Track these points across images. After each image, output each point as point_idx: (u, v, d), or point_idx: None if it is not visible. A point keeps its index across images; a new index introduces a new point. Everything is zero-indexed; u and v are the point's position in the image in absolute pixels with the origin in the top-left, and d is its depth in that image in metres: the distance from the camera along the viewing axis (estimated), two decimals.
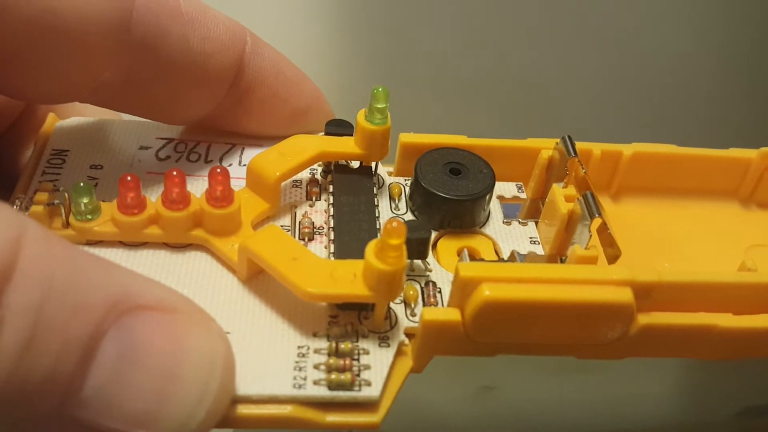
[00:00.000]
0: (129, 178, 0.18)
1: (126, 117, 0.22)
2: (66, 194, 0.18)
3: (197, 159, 0.22)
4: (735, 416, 0.26)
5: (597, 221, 0.18)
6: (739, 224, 0.23)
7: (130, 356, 0.14)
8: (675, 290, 0.17)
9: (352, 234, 0.19)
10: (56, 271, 0.14)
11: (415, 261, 0.19)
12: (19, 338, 0.13)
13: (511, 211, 0.22)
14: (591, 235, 0.19)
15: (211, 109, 0.21)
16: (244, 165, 0.22)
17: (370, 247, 0.16)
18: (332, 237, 0.19)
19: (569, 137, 0.21)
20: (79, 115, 0.23)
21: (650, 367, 0.27)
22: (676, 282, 0.17)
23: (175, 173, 0.18)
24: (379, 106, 0.20)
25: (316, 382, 0.17)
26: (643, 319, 0.17)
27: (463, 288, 0.17)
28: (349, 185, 0.21)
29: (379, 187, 0.22)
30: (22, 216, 0.14)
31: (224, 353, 0.16)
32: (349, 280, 0.17)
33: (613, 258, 0.18)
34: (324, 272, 0.17)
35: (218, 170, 0.18)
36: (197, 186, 0.21)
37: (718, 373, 0.27)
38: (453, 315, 0.17)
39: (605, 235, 0.18)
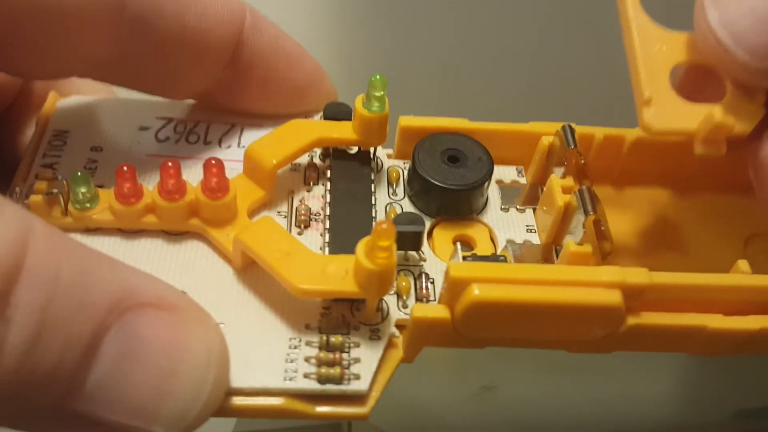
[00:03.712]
0: (125, 168, 0.18)
1: (126, 92, 0.22)
2: (65, 182, 0.19)
3: (196, 140, 0.22)
4: (731, 418, 0.26)
5: (591, 218, 0.18)
6: (740, 212, 0.22)
7: (131, 353, 0.15)
8: (666, 291, 0.17)
9: (347, 225, 0.19)
10: (62, 270, 0.14)
11: (410, 251, 0.20)
12: (25, 336, 0.14)
13: (512, 192, 0.22)
14: (585, 231, 0.18)
15: (209, 84, 0.21)
16: (243, 146, 0.22)
17: (361, 246, 0.17)
18: (328, 225, 0.20)
19: (570, 126, 0.21)
20: (78, 89, 0.23)
21: (650, 367, 0.27)
22: (667, 284, 0.17)
23: (170, 164, 0.18)
24: (376, 94, 0.20)
25: (306, 375, 0.17)
26: (633, 319, 0.17)
27: (453, 287, 0.17)
28: (347, 172, 0.21)
29: (378, 171, 0.22)
30: (28, 214, 0.14)
31: (220, 350, 0.16)
32: (340, 276, 0.17)
33: (606, 253, 0.18)
34: (316, 268, 0.17)
35: (213, 161, 0.18)
36: (195, 170, 0.21)
37: (718, 375, 0.27)
38: (442, 312, 0.17)
39: (600, 231, 0.18)
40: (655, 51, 0.18)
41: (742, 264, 0.18)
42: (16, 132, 0.23)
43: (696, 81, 0.19)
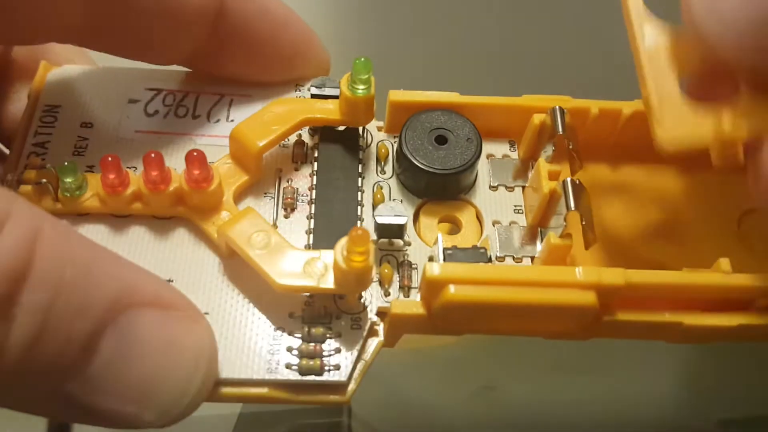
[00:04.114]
0: (110, 158, 0.18)
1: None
2: (53, 170, 0.19)
3: (185, 114, 0.22)
4: (717, 425, 0.26)
5: (573, 213, 0.18)
6: (734, 188, 0.22)
7: (127, 349, 0.16)
8: (642, 290, 0.17)
9: (332, 212, 0.19)
10: (67, 271, 0.15)
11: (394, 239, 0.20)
12: (27, 336, 0.14)
13: (503, 166, 0.22)
14: (566, 224, 0.18)
15: (192, 50, 0.21)
16: (232, 120, 0.22)
17: (338, 247, 0.17)
18: (314, 210, 0.20)
19: (561, 109, 0.20)
20: (66, 57, 0.23)
21: (650, 369, 0.27)
22: (643, 283, 0.17)
23: (153, 155, 0.18)
24: (361, 77, 0.19)
25: (288, 366, 0.18)
26: (608, 317, 0.18)
27: (430, 287, 0.17)
28: (335, 154, 0.21)
29: (367, 147, 0.22)
30: (38, 213, 0.15)
31: (210, 349, 0.17)
32: (319, 273, 0.17)
33: (588, 244, 0.19)
34: (295, 264, 0.18)
35: (195, 153, 0.18)
36: (184, 147, 0.21)
37: (718, 377, 0.27)
38: (419, 309, 0.18)
39: (582, 225, 0.18)
40: (663, 59, 0.17)
41: (723, 263, 0.18)
42: (1, 101, 0.23)
43: (711, 81, 0.18)
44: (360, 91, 0.20)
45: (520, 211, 0.21)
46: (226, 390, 0.18)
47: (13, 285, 0.14)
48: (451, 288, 0.17)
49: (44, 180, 0.19)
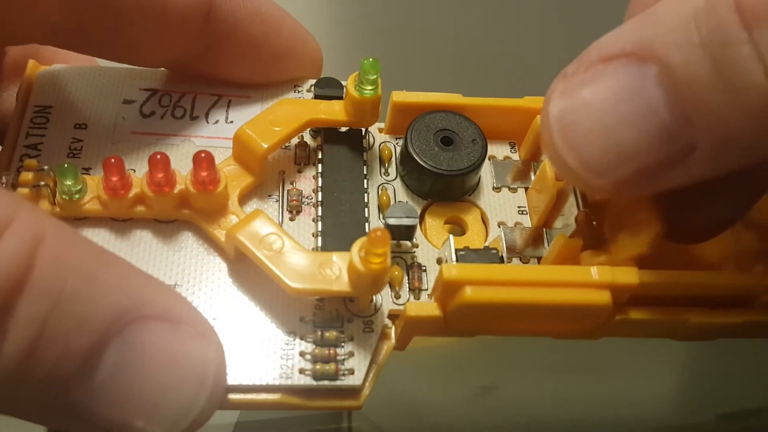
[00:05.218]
0: (113, 160, 0.18)
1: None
2: (51, 173, 0.18)
3: (183, 115, 0.21)
4: (730, 419, 0.27)
5: (583, 213, 0.18)
6: None
7: (129, 365, 0.15)
8: (654, 289, 0.18)
9: (339, 214, 0.19)
10: (68, 281, 0.14)
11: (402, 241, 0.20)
12: (21, 348, 0.14)
13: (504, 168, 0.22)
14: (577, 225, 0.19)
15: (180, 53, 0.21)
16: (231, 122, 0.21)
17: (355, 249, 0.17)
18: (320, 213, 0.19)
19: None
20: (56, 56, 0.22)
21: (649, 368, 0.27)
22: (655, 282, 0.17)
23: (158, 156, 0.18)
24: (369, 77, 0.19)
25: (301, 371, 0.17)
26: (620, 315, 0.18)
27: (446, 288, 0.17)
28: (338, 155, 0.20)
29: (369, 148, 0.21)
30: (42, 218, 0.14)
31: (217, 366, 0.16)
32: (333, 276, 0.17)
33: (596, 245, 0.19)
34: (308, 267, 0.17)
35: (203, 155, 0.18)
36: (183, 149, 0.21)
37: (715, 374, 0.28)
38: (434, 311, 0.18)
39: (591, 225, 0.18)
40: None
41: (728, 261, 0.18)
42: None
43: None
44: (367, 92, 0.19)
45: (524, 212, 0.21)
46: (238, 397, 0.17)
47: (9, 296, 0.14)
48: (468, 290, 0.17)
49: (43, 182, 0.18)
